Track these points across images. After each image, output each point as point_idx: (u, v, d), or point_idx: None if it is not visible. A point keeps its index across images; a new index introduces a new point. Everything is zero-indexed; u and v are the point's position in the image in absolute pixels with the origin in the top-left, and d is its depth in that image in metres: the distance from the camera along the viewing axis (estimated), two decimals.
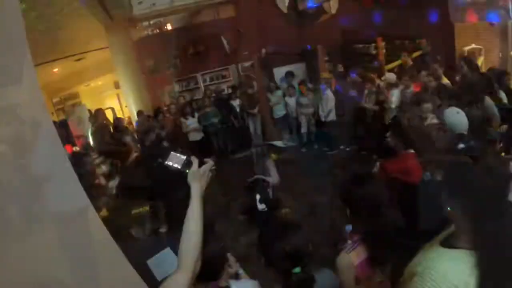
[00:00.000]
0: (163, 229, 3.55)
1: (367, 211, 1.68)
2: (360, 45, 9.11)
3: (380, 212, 1.68)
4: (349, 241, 1.76)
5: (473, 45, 7.24)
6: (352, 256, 1.67)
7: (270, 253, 1.55)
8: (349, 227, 1.90)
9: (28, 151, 1.09)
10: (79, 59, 12.18)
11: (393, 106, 5.61)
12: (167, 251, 2.30)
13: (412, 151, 2.54)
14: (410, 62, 6.85)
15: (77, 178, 1.32)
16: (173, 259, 1.83)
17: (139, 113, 8.44)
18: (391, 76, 5.78)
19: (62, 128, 9.11)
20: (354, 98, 6.49)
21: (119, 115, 10.51)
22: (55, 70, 12.77)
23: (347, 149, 7.01)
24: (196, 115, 7.21)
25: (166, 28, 10.11)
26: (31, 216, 1.05)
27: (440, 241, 1.33)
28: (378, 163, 2.72)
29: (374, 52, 8.49)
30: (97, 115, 8.76)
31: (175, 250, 1.41)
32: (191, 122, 7.11)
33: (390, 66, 7.27)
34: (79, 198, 1.32)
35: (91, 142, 8.24)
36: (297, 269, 1.48)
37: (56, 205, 1.16)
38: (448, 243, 1.28)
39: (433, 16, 7.60)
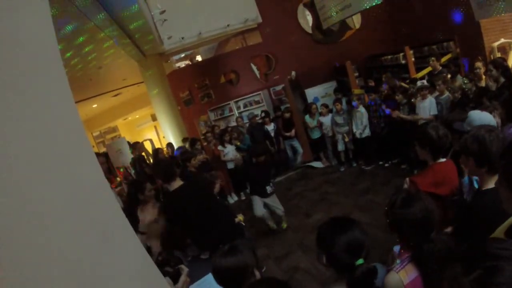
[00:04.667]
0: (204, 256, 3.61)
1: (416, 235, 1.60)
2: (388, 57, 9.06)
3: (430, 237, 1.58)
4: (398, 260, 1.67)
5: (502, 40, 7.05)
6: (402, 275, 1.57)
7: (332, 247, 1.54)
8: (397, 248, 1.83)
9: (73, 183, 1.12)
10: (116, 95, 12.87)
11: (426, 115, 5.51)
12: (209, 277, 2.35)
13: (443, 160, 2.41)
14: (439, 67, 6.72)
15: (119, 209, 1.37)
16: (215, 284, 1.90)
17: (169, 145, 8.77)
18: (424, 83, 5.69)
19: (104, 160, 9.58)
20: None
21: (157, 146, 10.95)
22: (94, 105, 13.51)
23: (386, 164, 6.93)
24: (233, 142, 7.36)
25: (197, 60, 10.52)
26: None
27: (504, 232, 1.28)
28: (407, 179, 2.51)
29: (403, 61, 8.42)
30: (136, 147, 9.17)
31: None
32: (229, 150, 7.26)
33: (420, 74, 7.15)
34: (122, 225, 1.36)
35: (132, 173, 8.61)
36: (360, 261, 1.47)
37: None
38: None
39: (458, 17, 7.50)
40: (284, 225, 5.52)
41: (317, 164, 8.03)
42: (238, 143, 7.36)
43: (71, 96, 1.22)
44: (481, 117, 2.75)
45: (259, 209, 5.15)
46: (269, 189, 5.10)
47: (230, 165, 7.34)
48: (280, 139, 8.03)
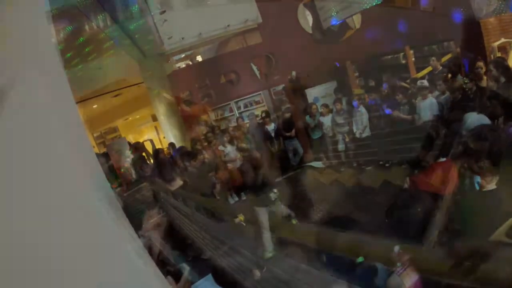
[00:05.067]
0: (205, 256, 3.61)
1: (416, 235, 1.63)
2: (389, 57, 9.04)
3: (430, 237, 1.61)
4: (399, 263, 1.68)
5: (503, 39, 7.02)
6: (403, 278, 1.60)
7: (332, 247, 1.58)
8: (397, 248, 1.82)
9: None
10: (116, 95, 12.86)
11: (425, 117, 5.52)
12: (209, 277, 2.36)
13: (443, 159, 2.44)
14: (439, 67, 6.70)
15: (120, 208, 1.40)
16: (215, 284, 1.90)
17: (171, 145, 8.77)
18: (423, 84, 5.70)
19: (104, 160, 9.58)
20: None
21: (158, 146, 10.94)
22: (95, 106, 13.49)
23: (387, 164, 6.90)
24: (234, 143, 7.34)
25: (197, 60, 10.52)
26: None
27: (505, 233, 1.29)
28: (408, 178, 2.57)
29: (403, 61, 8.41)
30: (137, 147, 9.18)
31: None
32: (229, 150, 7.24)
33: (420, 74, 7.15)
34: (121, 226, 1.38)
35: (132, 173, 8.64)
36: (360, 259, 1.50)
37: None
38: None
39: (458, 17, 7.49)
40: (294, 221, 5.46)
41: (317, 164, 8.01)
42: (243, 144, 7.33)
43: (71, 96, 1.22)
44: (478, 119, 2.76)
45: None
46: (273, 196, 4.81)
47: (232, 165, 7.29)
48: (281, 139, 8.01)
